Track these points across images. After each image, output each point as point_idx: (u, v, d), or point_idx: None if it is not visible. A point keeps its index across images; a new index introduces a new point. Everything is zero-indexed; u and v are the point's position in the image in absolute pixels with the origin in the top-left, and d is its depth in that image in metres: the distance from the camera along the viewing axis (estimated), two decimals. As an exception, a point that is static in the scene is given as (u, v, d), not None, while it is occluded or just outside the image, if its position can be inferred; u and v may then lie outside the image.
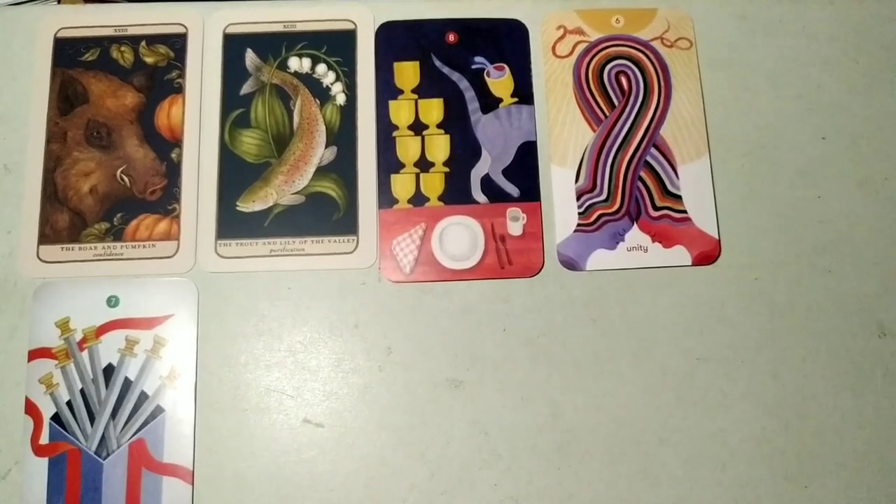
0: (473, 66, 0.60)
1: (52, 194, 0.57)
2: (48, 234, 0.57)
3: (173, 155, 0.58)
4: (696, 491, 0.54)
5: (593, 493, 0.54)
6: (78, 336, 0.54)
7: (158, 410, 0.54)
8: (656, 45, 0.61)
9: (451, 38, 0.61)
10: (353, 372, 0.55)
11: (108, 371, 0.54)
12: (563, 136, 0.59)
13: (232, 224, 0.57)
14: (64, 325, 0.55)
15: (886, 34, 0.62)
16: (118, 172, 0.58)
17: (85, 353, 0.54)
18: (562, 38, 0.61)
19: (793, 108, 0.60)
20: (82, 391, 0.54)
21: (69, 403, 0.53)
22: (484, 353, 0.56)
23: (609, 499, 0.54)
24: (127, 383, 0.54)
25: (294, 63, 0.60)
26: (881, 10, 0.63)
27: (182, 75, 0.60)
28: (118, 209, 0.57)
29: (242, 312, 0.56)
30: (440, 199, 0.58)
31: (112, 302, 0.55)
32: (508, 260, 0.57)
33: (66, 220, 0.57)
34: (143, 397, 0.54)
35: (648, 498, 0.54)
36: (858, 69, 0.61)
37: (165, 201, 0.57)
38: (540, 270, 0.57)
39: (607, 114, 0.60)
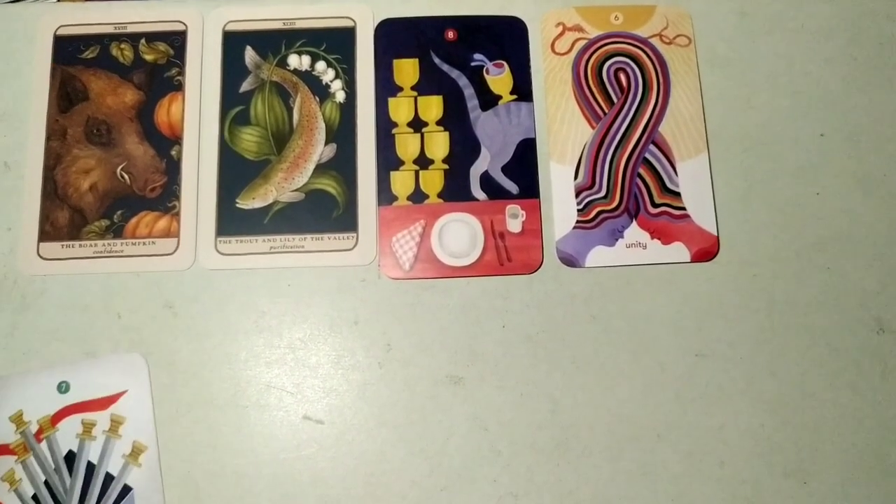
0: (473, 64, 0.60)
1: (53, 191, 0.57)
2: (48, 232, 0.57)
3: (173, 152, 0.58)
4: (695, 487, 0.54)
5: (593, 489, 0.54)
6: (34, 427, 0.53)
7: (126, 490, 0.52)
8: (655, 42, 0.61)
9: (451, 35, 0.61)
10: (353, 368, 0.56)
11: (70, 458, 0.53)
12: (563, 133, 0.59)
13: (232, 221, 0.57)
14: (18, 419, 0.53)
15: (885, 31, 0.62)
16: (118, 170, 0.58)
17: (43, 444, 0.53)
18: (561, 35, 0.61)
19: (791, 104, 0.60)
20: (46, 483, 0.52)
21: (35, 497, 0.52)
22: (483, 350, 0.56)
23: (608, 494, 0.54)
24: (90, 467, 0.53)
25: (293, 60, 0.60)
26: (879, 7, 0.63)
27: (182, 73, 0.60)
28: (118, 206, 0.57)
29: (242, 309, 0.56)
30: (439, 196, 0.58)
31: (62, 388, 0.54)
32: (508, 257, 0.57)
33: (66, 217, 0.57)
34: (108, 479, 0.52)
35: (647, 493, 0.54)
36: (857, 66, 0.61)
37: (165, 198, 0.58)
38: (539, 267, 0.57)
39: (606, 111, 0.60)
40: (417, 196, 0.58)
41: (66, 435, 0.53)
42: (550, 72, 0.60)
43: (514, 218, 0.57)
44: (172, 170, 0.58)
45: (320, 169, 0.58)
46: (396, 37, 0.61)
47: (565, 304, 0.57)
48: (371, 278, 0.57)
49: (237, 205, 0.57)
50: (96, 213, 0.57)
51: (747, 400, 0.55)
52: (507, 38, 0.61)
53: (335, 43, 0.60)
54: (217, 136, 0.59)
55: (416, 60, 0.60)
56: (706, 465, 0.54)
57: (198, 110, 0.59)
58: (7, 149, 0.58)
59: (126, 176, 0.58)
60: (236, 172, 0.58)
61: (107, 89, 0.59)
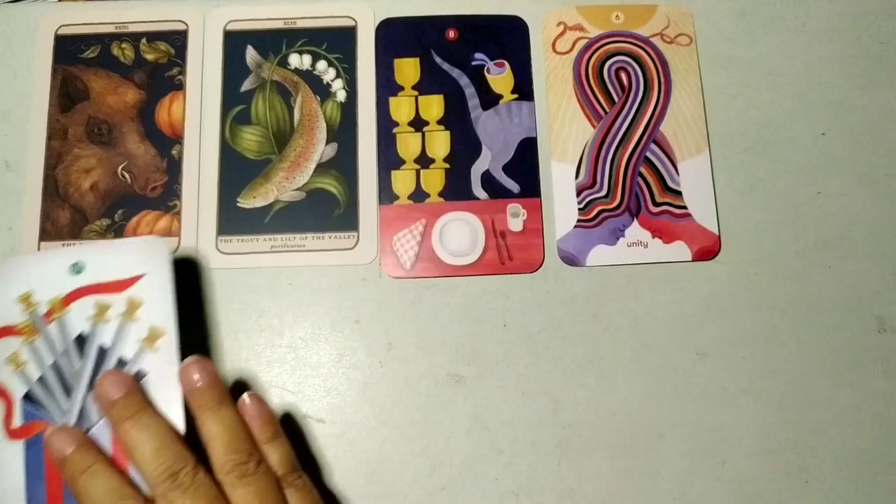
0: (473, 63, 0.60)
1: (54, 191, 0.57)
2: (49, 231, 0.57)
3: (174, 152, 0.58)
4: (696, 486, 0.54)
5: (594, 488, 0.54)
6: (43, 308, 0.50)
7: (140, 375, 0.49)
8: (656, 41, 0.61)
9: (452, 34, 0.61)
10: (354, 367, 0.56)
11: (81, 340, 0.49)
12: (564, 133, 0.59)
13: (233, 220, 0.57)
14: (26, 300, 0.50)
15: (886, 30, 0.62)
16: (119, 169, 0.58)
17: (53, 326, 0.50)
18: (562, 34, 0.61)
19: (792, 103, 0.60)
20: (54, 365, 0.49)
21: (41, 380, 0.49)
22: (484, 349, 0.56)
23: (609, 493, 0.54)
24: (102, 352, 0.49)
25: (294, 60, 0.60)
26: (880, 6, 0.63)
27: (183, 72, 0.60)
28: (119, 206, 0.57)
29: (243, 308, 0.56)
30: (440, 195, 0.58)
31: (76, 268, 0.50)
32: (509, 256, 0.57)
33: (67, 216, 0.57)
34: (121, 364, 0.49)
35: (648, 492, 0.54)
36: (858, 65, 0.61)
37: (166, 198, 0.58)
38: (540, 266, 0.57)
39: (607, 110, 0.60)
40: (418, 195, 0.58)
41: (78, 317, 0.50)
42: (551, 71, 0.60)
43: (515, 217, 0.57)
44: (173, 169, 0.58)
45: (321, 168, 0.58)
46: (397, 36, 0.61)
47: (566, 303, 0.57)
48: (372, 277, 0.57)
49: (238, 204, 0.57)
50: (97, 213, 0.57)
51: (749, 399, 0.55)
52: (507, 38, 0.61)
53: (336, 42, 0.60)
54: (218, 135, 0.59)
55: (417, 60, 0.60)
56: (707, 464, 0.54)
57: (199, 110, 0.59)
58: (8, 148, 0.59)
59: (127, 175, 0.58)
60: (237, 172, 0.58)
61: (108, 89, 0.59)
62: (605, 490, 0.54)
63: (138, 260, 0.50)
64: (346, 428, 0.55)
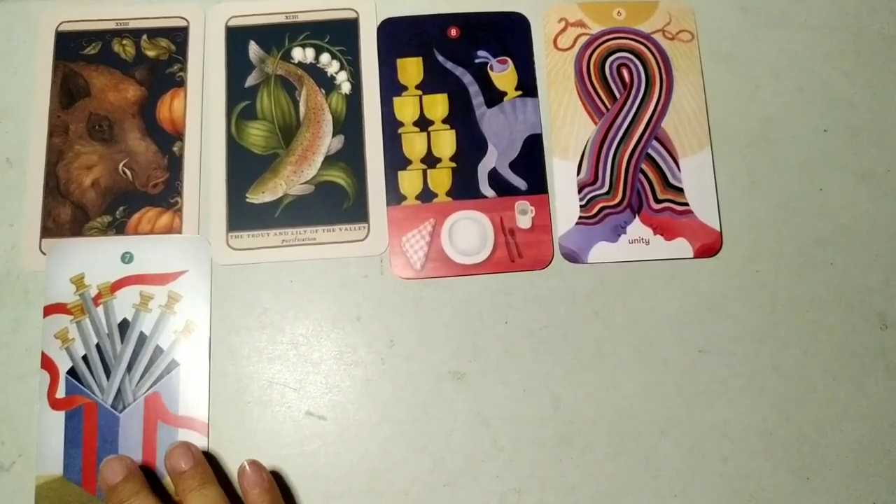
0: (476, 61, 0.60)
1: (55, 188, 0.57)
2: (50, 228, 0.57)
3: (175, 148, 0.58)
4: (697, 483, 0.54)
5: (595, 485, 0.54)
6: (93, 292, 0.55)
7: (173, 364, 0.54)
8: (658, 37, 0.61)
9: (454, 32, 0.61)
10: (356, 364, 0.56)
11: (123, 326, 0.55)
12: (565, 129, 0.59)
13: (243, 216, 0.57)
14: (79, 281, 0.55)
15: (888, 26, 0.62)
16: (120, 166, 0.58)
17: (100, 309, 0.55)
18: (563, 30, 0.61)
19: (794, 100, 0.61)
20: (98, 346, 0.54)
21: (85, 358, 0.54)
22: (486, 346, 0.56)
23: (611, 490, 0.54)
24: (142, 338, 0.55)
25: (297, 53, 0.60)
26: (883, 2, 0.63)
27: (184, 68, 0.60)
28: (120, 202, 0.57)
29: (245, 305, 0.56)
30: (448, 194, 0.58)
31: (126, 258, 0.56)
32: (518, 253, 0.57)
33: (68, 213, 0.57)
34: (157, 351, 0.54)
35: (650, 489, 0.54)
36: (860, 61, 0.61)
37: (167, 195, 0.57)
38: (550, 263, 0.57)
39: (609, 106, 0.60)
40: (426, 195, 0.58)
41: (123, 304, 0.55)
42: (553, 67, 0.60)
43: (523, 214, 0.57)
44: (174, 166, 0.58)
45: (329, 161, 0.58)
46: (399, 36, 0.61)
47: (568, 299, 0.57)
48: (374, 274, 0.57)
49: (247, 199, 0.57)
50: (98, 209, 0.57)
51: (750, 396, 0.55)
52: (509, 34, 0.61)
53: (338, 34, 0.60)
54: (224, 131, 0.58)
55: (420, 59, 0.60)
56: (709, 461, 0.54)
57: (200, 106, 0.59)
58: (9, 145, 0.58)
59: (128, 172, 0.58)
60: (245, 167, 0.58)
61: (109, 85, 0.59)
62: (606, 487, 0.54)
63: (182, 257, 0.56)
64: (347, 425, 0.55)
